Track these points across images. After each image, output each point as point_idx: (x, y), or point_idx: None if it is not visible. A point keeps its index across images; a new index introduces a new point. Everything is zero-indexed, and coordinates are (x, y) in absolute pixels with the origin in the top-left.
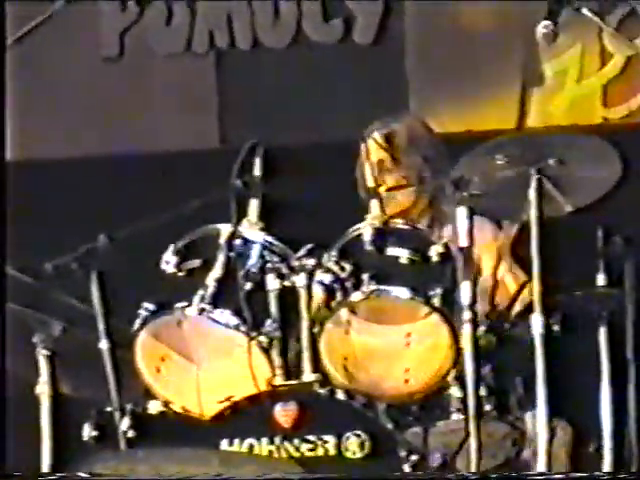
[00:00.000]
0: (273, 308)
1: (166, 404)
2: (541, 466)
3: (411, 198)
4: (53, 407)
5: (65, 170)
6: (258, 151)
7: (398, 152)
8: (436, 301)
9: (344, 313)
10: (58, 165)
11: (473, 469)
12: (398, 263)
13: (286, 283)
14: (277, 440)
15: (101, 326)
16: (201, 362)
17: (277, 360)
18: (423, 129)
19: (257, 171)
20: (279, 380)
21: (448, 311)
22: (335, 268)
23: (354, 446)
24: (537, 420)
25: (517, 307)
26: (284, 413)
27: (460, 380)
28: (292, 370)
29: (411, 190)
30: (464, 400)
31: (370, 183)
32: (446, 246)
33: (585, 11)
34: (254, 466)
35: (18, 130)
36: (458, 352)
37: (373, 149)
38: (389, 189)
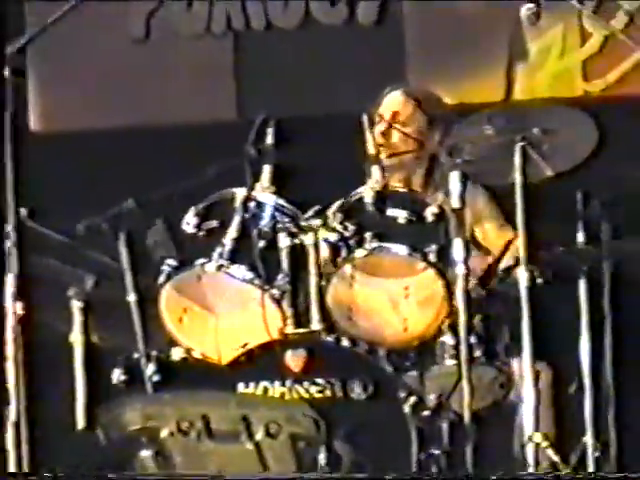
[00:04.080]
0: (284, 264)
1: (188, 351)
2: (528, 406)
3: (410, 163)
4: (85, 354)
5: (97, 140)
6: (270, 122)
7: (412, 108)
8: (432, 257)
9: (348, 268)
10: (91, 136)
11: (466, 410)
12: (397, 223)
13: (296, 241)
14: (288, 383)
15: (129, 281)
16: (219, 313)
17: (288, 311)
18: (433, 95)
19: (270, 140)
20: (290, 329)
21: (442, 266)
22: (340, 228)
23: (358, 388)
24: (522, 364)
25: (505, 262)
26: (294, 359)
27: (453, 329)
28: (302, 319)
29: (410, 156)
30: (457, 347)
31: (371, 151)
32: (440, 207)
33: None
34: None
35: (56, 104)
36: (451, 303)
37: (387, 105)
38: (390, 155)
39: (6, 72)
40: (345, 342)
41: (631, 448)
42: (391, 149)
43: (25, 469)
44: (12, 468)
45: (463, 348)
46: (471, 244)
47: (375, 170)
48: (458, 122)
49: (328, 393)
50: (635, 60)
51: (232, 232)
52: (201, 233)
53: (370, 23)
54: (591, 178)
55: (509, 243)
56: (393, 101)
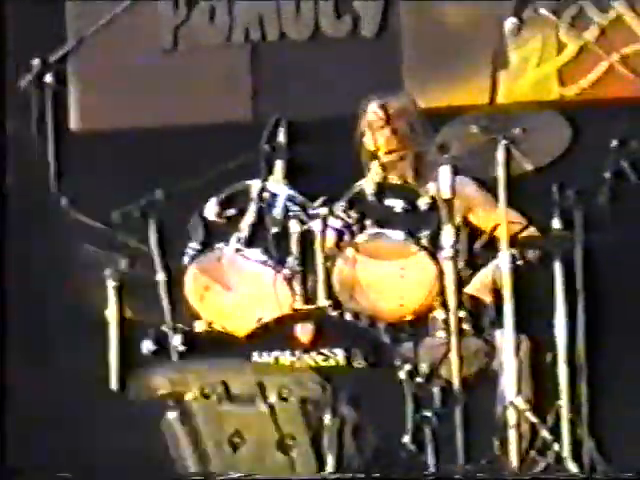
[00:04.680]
0: (294, 247)
1: (209, 324)
2: (509, 374)
3: (402, 159)
4: (119, 328)
5: (130, 138)
6: (282, 123)
7: (389, 118)
8: (424, 242)
9: (351, 251)
10: (125, 134)
11: (455, 376)
12: (394, 212)
13: (305, 227)
14: (297, 353)
15: (157, 262)
16: (237, 291)
17: (298, 289)
18: (411, 104)
19: (282, 138)
20: (299, 305)
21: (434, 249)
22: (343, 215)
23: (360, 358)
24: (505, 336)
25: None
26: (303, 331)
27: (444, 304)
28: (310, 297)
29: (401, 153)
30: (447, 320)
31: (371, 147)
32: (432, 198)
33: (543, 11)
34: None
35: (93, 107)
36: (442, 282)
37: (369, 115)
38: (387, 152)
39: (47, 79)
40: (348, 317)
41: (601, 409)
42: (381, 144)
43: None
44: None
45: (452, 321)
46: (464, 228)
47: (374, 165)
48: (448, 122)
49: (332, 362)
50: (605, 67)
51: (248, 219)
52: (221, 220)
53: (372, 35)
54: (565, 171)
55: (494, 228)
56: (373, 110)
